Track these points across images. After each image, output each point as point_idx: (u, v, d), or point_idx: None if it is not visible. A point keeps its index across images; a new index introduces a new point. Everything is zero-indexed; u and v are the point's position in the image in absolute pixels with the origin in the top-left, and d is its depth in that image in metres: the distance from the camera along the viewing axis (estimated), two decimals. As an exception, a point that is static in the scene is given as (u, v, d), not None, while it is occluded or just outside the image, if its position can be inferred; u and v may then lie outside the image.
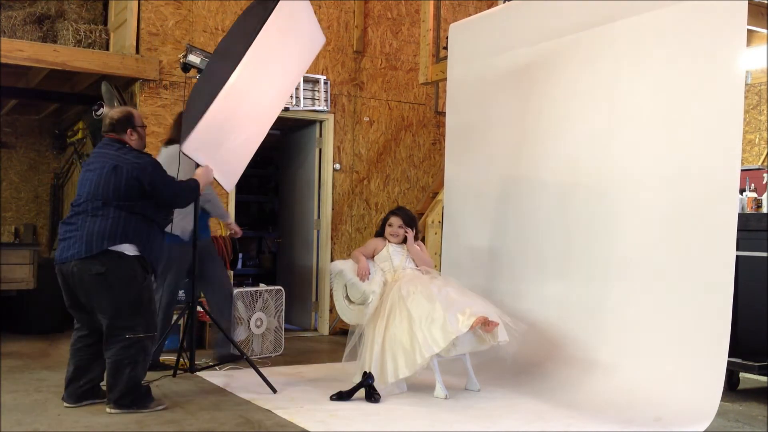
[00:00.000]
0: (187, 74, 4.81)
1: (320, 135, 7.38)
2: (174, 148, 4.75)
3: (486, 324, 4.27)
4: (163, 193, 3.98)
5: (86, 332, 4.04)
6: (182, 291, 6.31)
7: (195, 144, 4.10)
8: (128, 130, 4.08)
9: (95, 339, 3.99)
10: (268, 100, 4.58)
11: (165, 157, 4.84)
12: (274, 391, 4.38)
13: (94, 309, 3.89)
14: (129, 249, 3.89)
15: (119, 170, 3.89)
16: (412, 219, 5.03)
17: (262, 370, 4.55)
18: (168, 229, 4.28)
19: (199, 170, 4.29)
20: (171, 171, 4.24)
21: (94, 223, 3.85)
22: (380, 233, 5.02)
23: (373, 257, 4.92)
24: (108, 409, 3.89)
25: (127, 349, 3.86)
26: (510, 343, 4.56)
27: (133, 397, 3.92)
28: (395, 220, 4.94)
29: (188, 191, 4.16)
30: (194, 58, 4.52)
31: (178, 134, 4.62)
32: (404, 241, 4.93)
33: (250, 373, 4.69)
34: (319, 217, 7.31)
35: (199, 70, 4.56)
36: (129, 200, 3.87)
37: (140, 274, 3.92)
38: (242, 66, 4.06)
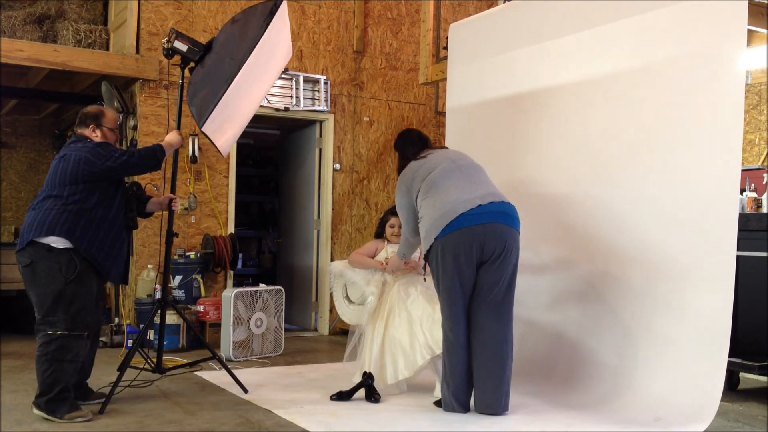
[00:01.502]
0: (170, 60, 4.60)
1: (320, 135, 7.38)
2: None
3: None
4: (114, 165, 3.87)
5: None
6: (181, 291, 6.32)
7: (213, 126, 4.11)
8: (91, 126, 4.01)
9: None
10: (262, 90, 4.78)
11: None
12: (246, 391, 4.38)
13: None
14: (57, 242, 3.76)
15: (66, 158, 3.86)
16: None
17: (262, 369, 4.55)
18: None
19: (169, 135, 4.26)
20: None
21: (30, 216, 3.86)
22: (380, 234, 4.99)
23: (373, 258, 4.90)
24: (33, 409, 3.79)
25: (46, 345, 3.72)
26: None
27: (47, 399, 3.71)
28: (396, 220, 4.92)
29: (145, 157, 4.02)
30: (181, 45, 4.40)
31: None
32: None
33: (250, 372, 4.69)
34: (319, 217, 7.31)
35: (183, 58, 4.42)
36: (73, 185, 3.80)
37: (67, 268, 3.75)
38: (248, 61, 4.09)
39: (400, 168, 4.34)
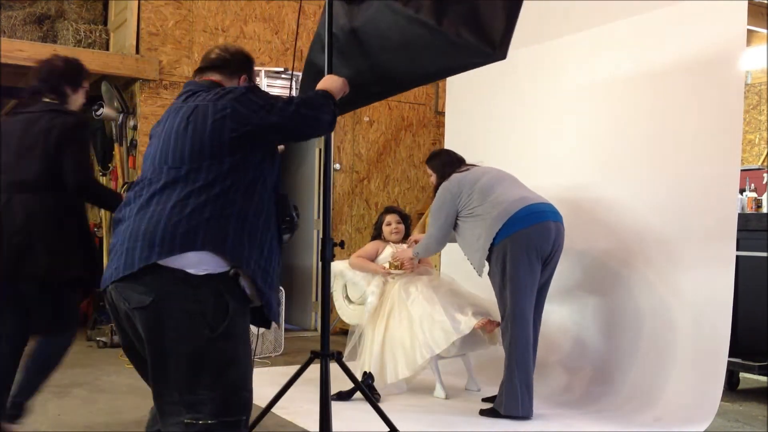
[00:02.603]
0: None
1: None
2: None
3: (488, 325, 4.27)
4: (281, 121, 2.20)
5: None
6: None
7: None
8: (242, 77, 2.45)
9: None
10: None
11: None
12: None
13: (144, 361, 2.13)
14: (199, 263, 2.04)
15: (198, 113, 2.17)
16: (406, 216, 5.06)
17: (262, 369, 4.54)
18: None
19: (327, 80, 2.58)
20: None
21: (143, 218, 2.08)
22: (377, 236, 4.98)
23: (374, 260, 4.90)
24: None
25: None
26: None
27: None
28: (392, 218, 4.93)
29: (317, 106, 2.34)
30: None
31: None
32: (404, 238, 4.91)
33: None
34: (319, 217, 7.30)
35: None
36: (215, 159, 2.11)
37: (214, 311, 2.05)
38: None
39: (436, 187, 4.28)
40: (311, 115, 2.29)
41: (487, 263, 4.02)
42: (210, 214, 2.05)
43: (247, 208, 2.11)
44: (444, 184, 4.19)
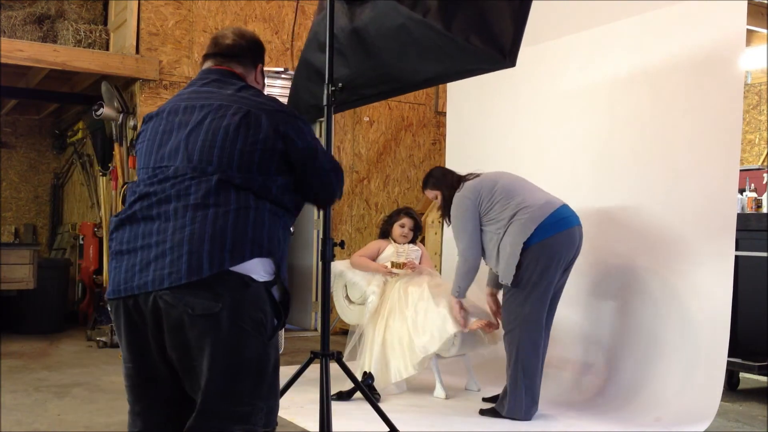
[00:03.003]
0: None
1: (320, 135, 7.37)
2: None
3: (487, 327, 4.27)
4: (322, 167, 2.19)
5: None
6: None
7: None
8: (259, 67, 2.33)
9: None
10: None
11: None
12: None
13: (189, 374, 1.96)
14: (261, 268, 2.02)
15: (253, 118, 2.05)
16: (419, 226, 4.99)
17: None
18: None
19: None
20: None
21: (204, 219, 1.94)
22: (385, 233, 4.96)
23: (375, 259, 4.90)
24: None
25: None
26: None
27: None
28: (408, 222, 4.88)
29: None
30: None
31: None
32: (410, 241, 4.90)
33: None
34: (319, 217, 7.30)
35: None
36: (266, 174, 2.05)
37: (270, 317, 2.04)
38: None
39: (448, 199, 4.05)
40: (336, 183, 2.26)
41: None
42: (268, 223, 2.03)
43: (282, 219, 2.11)
44: (459, 194, 3.98)
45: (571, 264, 3.93)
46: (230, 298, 1.90)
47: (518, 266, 3.79)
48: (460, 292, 4.09)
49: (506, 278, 3.84)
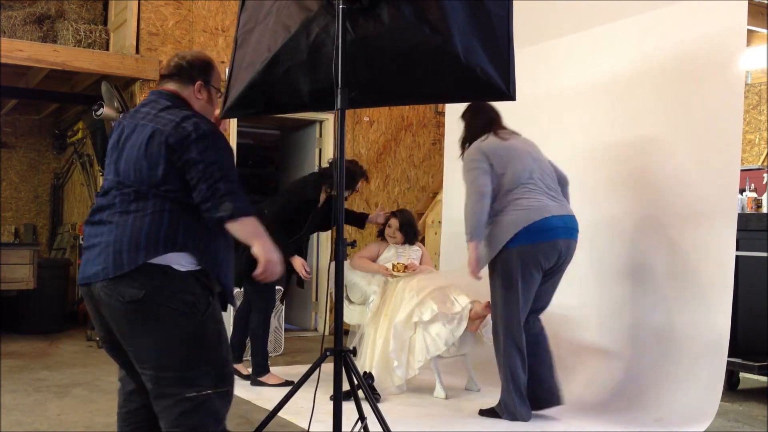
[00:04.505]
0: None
1: (320, 135, 7.37)
2: None
3: (486, 308, 4.26)
4: (212, 182, 2.39)
5: (133, 387, 2.54)
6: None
7: None
8: (198, 83, 2.59)
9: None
10: None
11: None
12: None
13: (132, 351, 2.41)
14: (181, 260, 2.39)
15: (156, 135, 2.40)
16: (411, 224, 5.00)
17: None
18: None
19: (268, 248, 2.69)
20: None
21: (125, 224, 2.37)
22: (382, 232, 5.02)
23: (375, 260, 4.91)
24: None
25: (188, 416, 2.34)
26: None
27: None
28: (393, 222, 4.94)
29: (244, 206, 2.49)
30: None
31: None
32: (405, 242, 4.92)
33: (250, 372, 4.69)
34: (319, 217, 7.30)
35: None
36: (176, 182, 2.40)
37: (200, 299, 2.40)
38: None
39: (469, 139, 3.98)
40: (222, 205, 2.41)
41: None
42: (184, 223, 2.40)
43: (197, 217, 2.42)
44: (476, 146, 3.90)
45: (556, 270, 3.90)
46: (152, 286, 2.33)
47: (502, 263, 3.80)
48: (474, 232, 3.80)
49: (482, 262, 3.85)
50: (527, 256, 3.77)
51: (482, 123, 4.01)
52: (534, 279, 3.83)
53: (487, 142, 3.91)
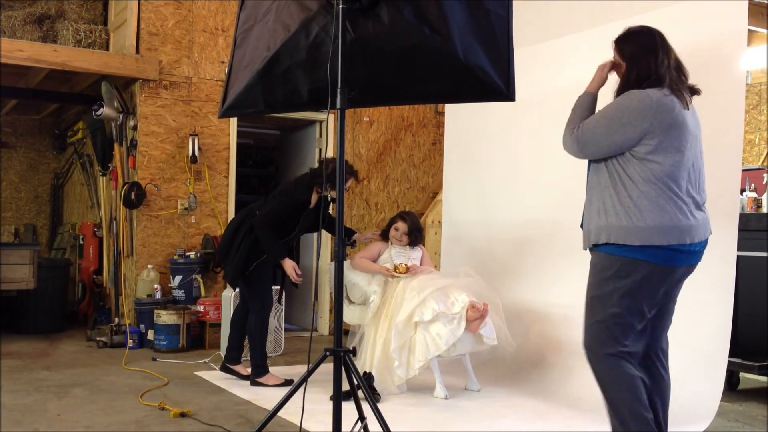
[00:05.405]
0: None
1: (320, 135, 7.37)
2: None
3: (476, 310, 4.28)
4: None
5: None
6: (181, 291, 6.32)
7: None
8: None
9: None
10: None
11: None
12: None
13: None
14: None
15: None
16: (419, 229, 5.00)
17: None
18: None
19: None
20: None
21: None
22: (386, 236, 4.99)
23: (376, 260, 4.90)
24: None
25: None
26: (510, 343, 4.58)
27: None
28: (402, 226, 4.92)
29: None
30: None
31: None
32: (408, 244, 4.91)
33: (250, 372, 4.69)
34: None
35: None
36: None
37: None
38: None
39: (631, 82, 3.09)
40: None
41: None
42: None
43: None
44: (631, 93, 3.05)
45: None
46: None
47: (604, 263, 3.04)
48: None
49: (585, 244, 3.12)
50: (657, 276, 3.11)
51: (652, 67, 3.11)
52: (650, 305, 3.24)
53: (651, 95, 3.04)
